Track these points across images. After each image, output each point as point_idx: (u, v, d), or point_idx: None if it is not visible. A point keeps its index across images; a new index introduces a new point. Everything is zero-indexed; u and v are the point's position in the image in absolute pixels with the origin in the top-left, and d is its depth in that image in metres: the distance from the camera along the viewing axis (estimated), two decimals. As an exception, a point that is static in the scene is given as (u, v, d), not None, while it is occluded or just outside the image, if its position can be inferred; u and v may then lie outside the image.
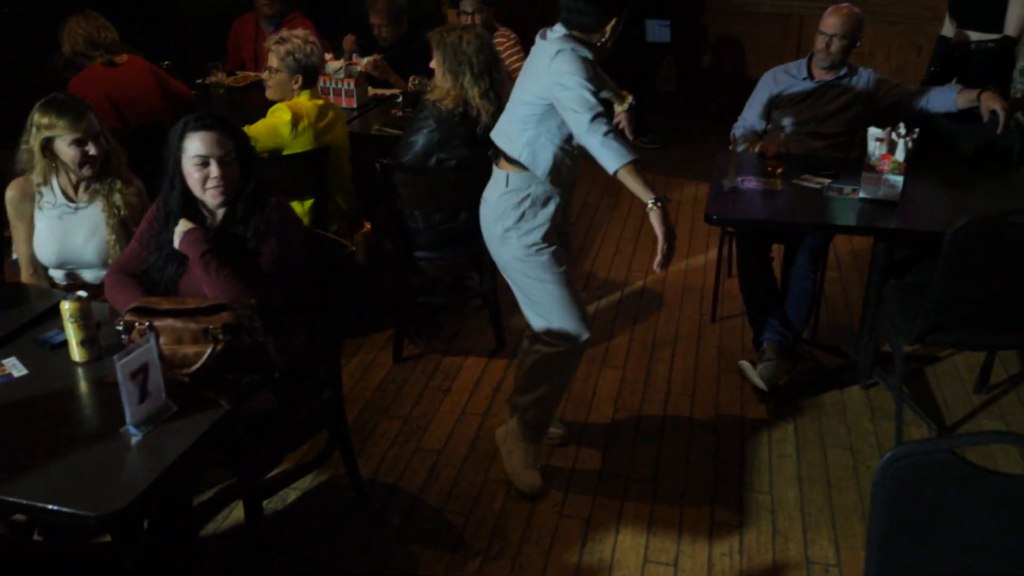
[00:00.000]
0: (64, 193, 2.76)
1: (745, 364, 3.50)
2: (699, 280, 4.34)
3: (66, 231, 2.77)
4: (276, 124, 3.43)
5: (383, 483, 2.96)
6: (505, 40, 4.65)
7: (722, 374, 3.59)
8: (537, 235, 2.68)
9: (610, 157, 2.42)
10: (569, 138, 2.58)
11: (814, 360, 3.64)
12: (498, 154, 2.71)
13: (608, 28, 2.54)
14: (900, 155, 3.01)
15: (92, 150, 2.68)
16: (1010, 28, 4.53)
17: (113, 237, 2.76)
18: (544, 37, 2.58)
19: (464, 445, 3.16)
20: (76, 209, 2.76)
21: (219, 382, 2.08)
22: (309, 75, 3.51)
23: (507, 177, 2.66)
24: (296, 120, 3.44)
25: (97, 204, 2.76)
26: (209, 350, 2.06)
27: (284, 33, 3.57)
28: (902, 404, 3.13)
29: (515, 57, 4.61)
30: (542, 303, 2.77)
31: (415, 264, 3.64)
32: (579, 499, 2.90)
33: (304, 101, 3.51)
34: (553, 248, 2.70)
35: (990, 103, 3.35)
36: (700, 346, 3.80)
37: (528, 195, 2.64)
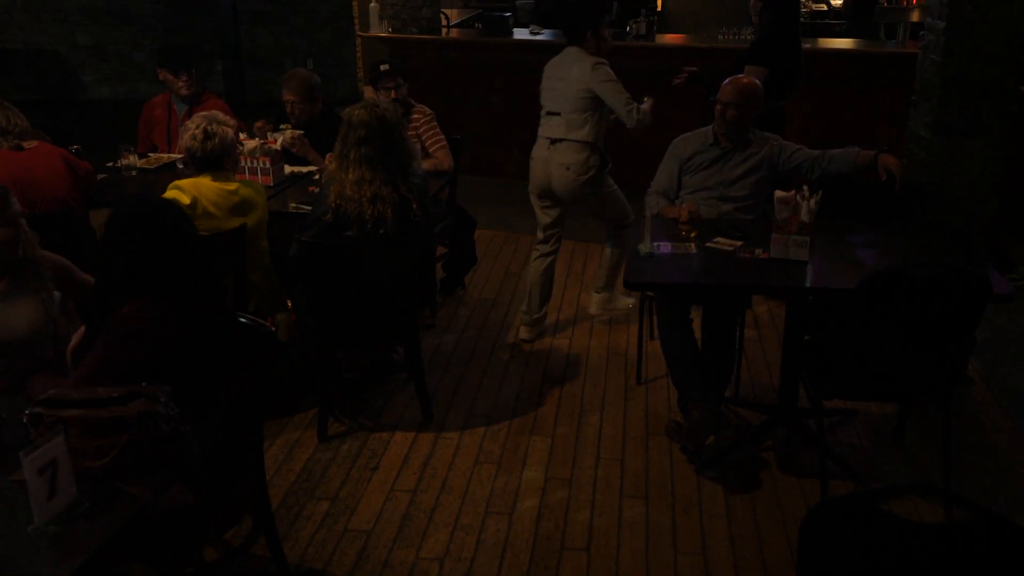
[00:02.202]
0: None
1: (672, 426, 3.54)
2: (623, 344, 4.40)
3: None
4: (172, 199, 3.39)
5: (311, 568, 2.87)
6: (421, 116, 4.72)
7: (650, 437, 3.62)
8: (602, 175, 4.30)
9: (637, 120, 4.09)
10: (609, 116, 4.22)
11: (738, 419, 3.70)
12: (563, 140, 4.23)
13: (589, 37, 4.13)
14: (805, 216, 3.14)
15: (13, 233, 2.63)
16: None
17: (37, 320, 2.68)
18: (567, 51, 4.26)
19: (394, 524, 3.09)
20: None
21: (134, 473, 2.00)
22: (197, 161, 3.50)
23: (580, 148, 4.20)
24: (194, 202, 3.41)
25: (17, 288, 2.69)
26: (122, 440, 1.99)
27: (187, 121, 3.57)
28: (825, 458, 3.20)
29: (431, 133, 4.68)
30: (616, 203, 4.42)
31: (337, 340, 3.61)
32: (513, 572, 2.85)
33: (205, 182, 3.49)
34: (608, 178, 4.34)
35: (886, 163, 3.54)
36: (627, 410, 3.82)
37: (594, 154, 4.22)
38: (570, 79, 4.17)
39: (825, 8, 10.57)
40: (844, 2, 9.20)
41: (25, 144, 3.82)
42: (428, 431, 3.66)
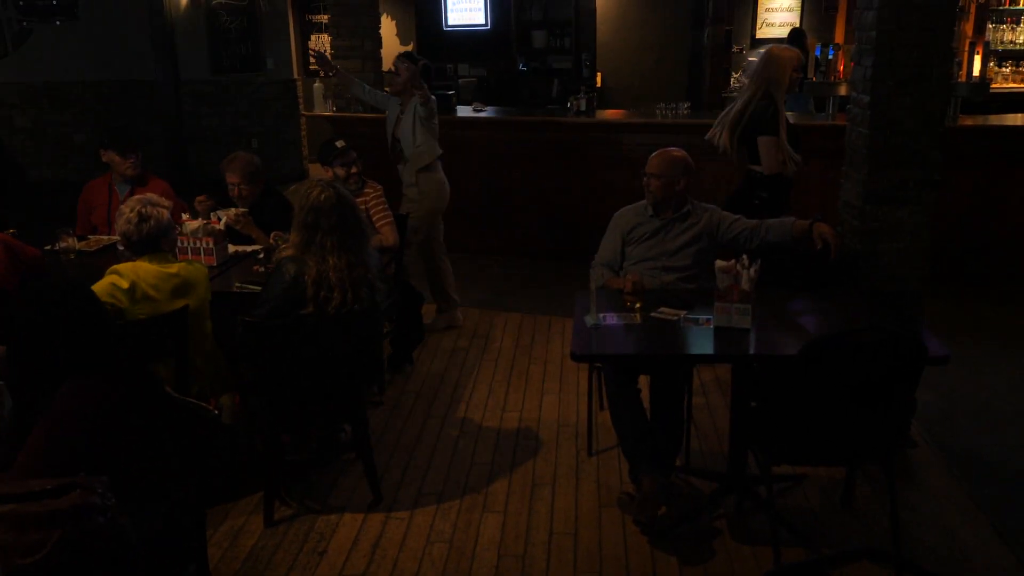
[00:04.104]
0: None
1: (624, 497, 3.52)
2: (573, 416, 4.39)
3: None
4: (111, 285, 3.35)
5: (257, 662, 2.76)
6: (372, 191, 4.75)
7: (603, 509, 3.59)
8: None
9: None
10: None
11: (690, 488, 3.70)
12: None
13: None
14: (746, 285, 3.21)
15: None
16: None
17: None
18: None
19: (343, 610, 3.00)
20: None
21: (68, 570, 1.92)
22: (136, 246, 3.48)
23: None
24: (132, 287, 3.37)
25: None
26: (56, 535, 1.91)
27: (122, 206, 3.55)
28: (776, 524, 3.20)
29: (380, 209, 4.71)
30: None
31: (284, 420, 3.54)
32: (468, 657, 2.78)
33: (143, 265, 3.45)
34: None
35: (821, 232, 3.65)
36: (579, 482, 3.80)
37: None
38: None
39: (757, 83, 11.00)
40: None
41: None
42: (378, 511, 3.58)
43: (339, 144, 4.72)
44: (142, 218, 3.42)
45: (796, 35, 9.36)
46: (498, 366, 5.03)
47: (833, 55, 8.92)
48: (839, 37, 10.34)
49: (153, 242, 3.45)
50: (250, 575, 3.18)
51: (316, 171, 5.59)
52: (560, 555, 3.30)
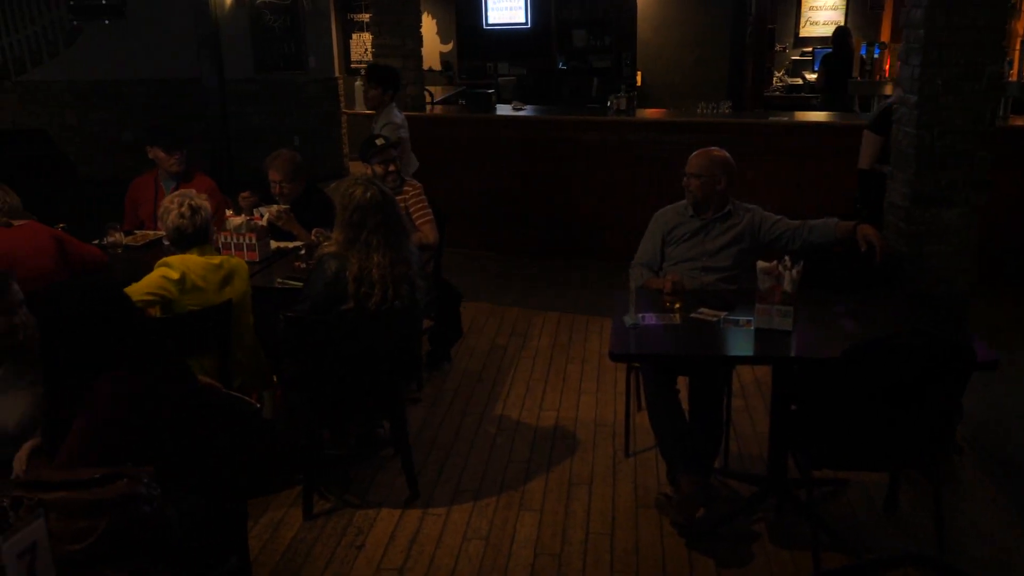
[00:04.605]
0: None
1: (662, 498, 3.50)
2: (610, 416, 4.38)
3: None
4: (161, 277, 3.41)
5: (295, 653, 2.79)
6: (412, 190, 4.77)
7: (640, 510, 3.58)
8: None
9: None
10: None
11: (728, 490, 3.67)
12: None
13: None
14: (788, 286, 3.17)
15: (16, 320, 2.62)
16: None
17: (35, 407, 2.66)
18: None
19: (381, 605, 3.02)
20: None
21: (115, 556, 1.96)
22: (177, 239, 3.54)
23: None
24: (183, 277, 3.42)
25: (17, 373, 2.67)
26: (103, 523, 1.95)
27: (164, 201, 3.61)
28: (817, 529, 3.17)
29: (419, 206, 4.73)
30: None
31: (324, 416, 3.58)
32: (503, 654, 2.79)
33: (193, 258, 3.51)
34: None
35: (866, 234, 3.60)
36: (616, 482, 3.79)
37: None
38: None
39: (801, 82, 10.89)
40: (818, 76, 9.47)
41: (15, 222, 3.84)
42: (415, 507, 3.61)
43: (378, 142, 4.76)
44: (194, 211, 3.49)
45: (841, 34, 9.22)
46: (536, 365, 5.03)
47: (879, 54, 8.79)
48: (885, 36, 10.18)
49: (203, 234, 3.53)
50: (289, 567, 3.22)
51: (357, 168, 5.64)
52: (596, 555, 3.29)
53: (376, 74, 5.82)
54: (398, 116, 5.78)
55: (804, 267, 3.22)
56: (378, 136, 4.88)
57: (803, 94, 10.46)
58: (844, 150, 6.15)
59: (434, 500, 3.66)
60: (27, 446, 2.43)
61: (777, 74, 11.26)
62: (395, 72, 5.96)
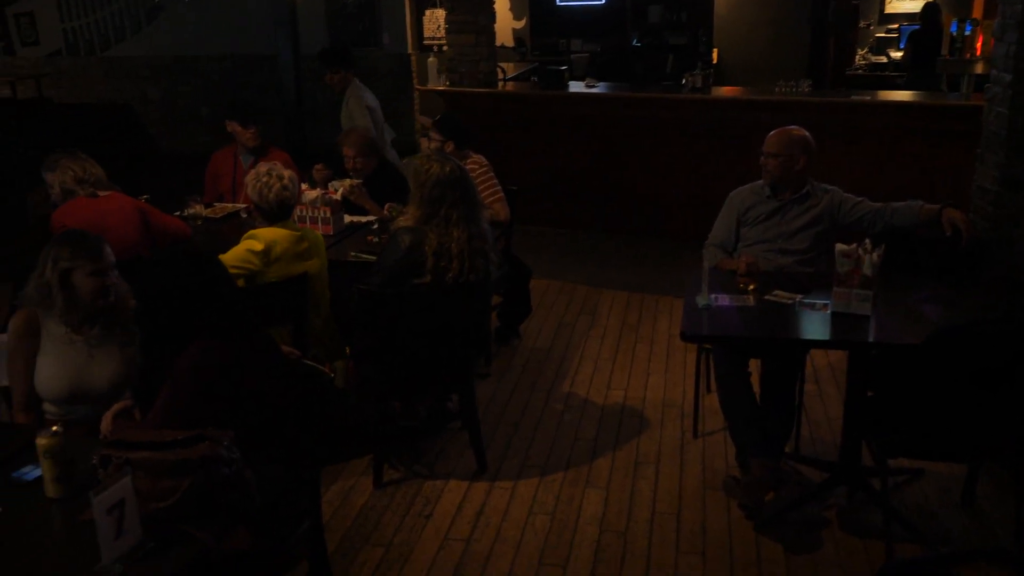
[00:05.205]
0: (73, 326, 2.77)
1: (730, 481, 3.47)
2: (679, 396, 4.35)
3: (78, 364, 2.77)
4: (246, 250, 3.49)
5: (364, 618, 2.86)
6: (477, 167, 4.78)
7: (707, 491, 3.55)
8: None
9: None
10: None
11: (799, 475, 3.62)
12: None
13: None
14: (868, 270, 3.09)
15: (109, 281, 2.72)
16: None
17: (124, 367, 2.77)
18: None
19: (447, 573, 3.07)
20: (87, 342, 2.77)
21: (197, 515, 2.03)
22: (266, 212, 3.60)
23: None
24: (268, 248, 3.50)
25: (110, 334, 2.78)
26: (186, 483, 2.02)
27: (253, 171, 3.68)
28: (890, 519, 3.10)
29: (487, 183, 4.74)
30: None
31: (394, 388, 3.63)
32: (568, 628, 2.81)
33: (278, 230, 3.59)
34: None
35: (951, 217, 3.48)
36: (683, 463, 3.76)
37: None
38: None
39: (885, 60, 10.53)
40: (905, 54, 9.14)
41: (100, 193, 3.97)
42: (482, 480, 3.65)
43: (436, 118, 4.82)
44: (293, 183, 3.58)
45: (930, 10, 8.88)
46: (604, 343, 5.01)
47: (970, 31, 8.45)
48: (977, 12, 9.76)
49: (290, 208, 3.61)
50: (360, 532, 3.30)
51: (427, 146, 5.71)
52: (662, 534, 3.28)
53: (330, 59, 6.01)
54: (364, 91, 6.02)
55: (885, 250, 3.14)
56: (453, 113, 4.91)
57: (888, 73, 10.11)
58: (930, 131, 5.96)
59: (501, 474, 3.69)
60: (114, 408, 2.53)
61: (860, 52, 10.90)
62: (346, 49, 6.16)
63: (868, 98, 6.38)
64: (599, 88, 7.28)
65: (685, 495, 3.53)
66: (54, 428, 2.15)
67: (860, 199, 3.77)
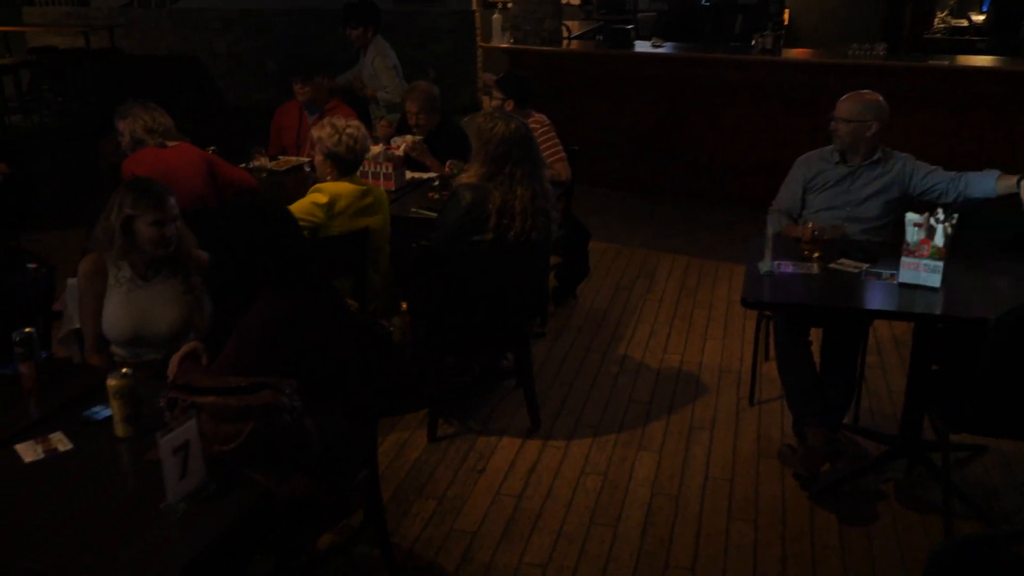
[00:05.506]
0: (139, 271, 2.85)
1: (786, 450, 3.44)
2: (736, 363, 4.30)
3: (141, 308, 2.85)
4: (311, 203, 3.53)
5: (417, 565, 2.92)
6: (539, 126, 4.75)
7: (761, 459, 3.53)
8: None
9: None
10: None
11: (856, 447, 3.56)
12: None
13: None
14: (939, 240, 3.00)
15: (170, 232, 2.79)
16: None
17: (185, 313, 2.84)
18: None
19: (499, 528, 3.11)
20: (151, 287, 2.85)
21: (258, 460, 2.08)
22: (338, 162, 3.62)
23: None
24: (332, 202, 3.53)
25: (170, 282, 2.86)
26: (249, 428, 2.07)
27: (324, 120, 3.70)
28: (950, 495, 3.05)
29: (549, 143, 4.70)
30: None
31: (450, 344, 3.66)
32: (616, 587, 2.83)
33: (344, 184, 3.62)
34: None
35: (1030, 188, 3.35)
36: (738, 430, 3.74)
37: None
38: None
39: (966, 24, 10.12)
40: (986, 18, 8.76)
41: (169, 143, 4.05)
42: (535, 438, 3.67)
43: (499, 76, 4.78)
44: (356, 139, 3.60)
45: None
46: (661, 307, 4.98)
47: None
48: (1066, -26, 9.29)
49: (345, 162, 3.62)
50: (414, 484, 3.36)
51: (489, 104, 5.69)
52: (714, 500, 3.28)
53: (355, 13, 5.92)
54: (388, 49, 6.04)
55: (958, 221, 3.04)
56: (516, 72, 4.87)
57: (968, 37, 9.71)
58: (1012, 99, 5.72)
59: (554, 433, 3.72)
60: (181, 351, 2.60)
61: (940, 15, 10.49)
62: (373, 4, 5.99)
63: (946, 63, 6.14)
64: (665, 48, 7.14)
65: (739, 462, 3.51)
66: (124, 370, 2.22)
67: (934, 167, 3.65)
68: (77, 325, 3.20)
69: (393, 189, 4.44)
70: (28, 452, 2.15)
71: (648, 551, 3.00)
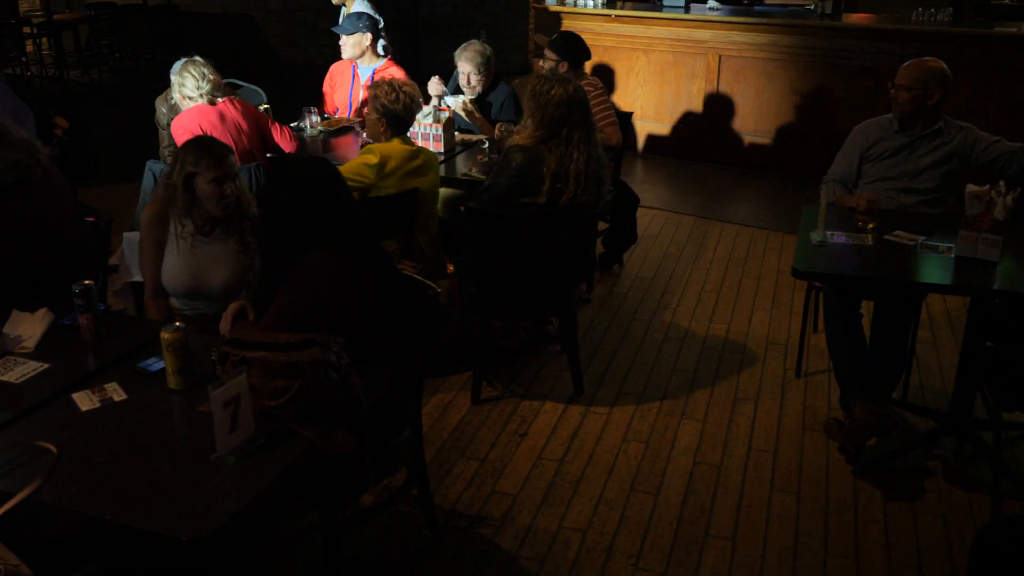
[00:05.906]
0: (199, 227, 2.90)
1: (832, 423, 3.40)
2: (783, 335, 4.26)
3: (199, 264, 2.91)
4: (361, 164, 3.54)
5: (458, 525, 2.96)
6: (591, 89, 4.69)
7: (806, 432, 3.50)
8: None
9: None
10: None
11: (904, 423, 3.51)
12: None
13: None
14: (1000, 214, 2.92)
15: (228, 190, 2.83)
16: None
17: (239, 272, 2.90)
18: None
19: (539, 491, 3.14)
20: (208, 243, 2.91)
21: (305, 416, 2.12)
22: (394, 120, 3.62)
23: None
24: (382, 163, 3.54)
25: (228, 239, 2.91)
26: (297, 384, 2.11)
27: (378, 79, 3.70)
28: (999, 474, 2.99)
29: (601, 106, 4.65)
30: None
31: (496, 307, 3.67)
32: (655, 552, 2.84)
33: (395, 145, 3.62)
34: None
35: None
36: (784, 402, 3.71)
37: None
38: None
39: (1036, -10, 9.70)
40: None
41: (219, 100, 4.09)
42: (578, 404, 3.68)
43: (552, 37, 4.73)
44: (412, 98, 3.62)
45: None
46: (709, 276, 4.93)
47: None
48: None
49: (399, 121, 3.63)
50: (456, 445, 3.39)
51: (539, 66, 5.65)
52: (757, 471, 3.26)
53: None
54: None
55: (1021, 194, 2.95)
56: (571, 34, 4.81)
57: (1006, 2, 9.33)
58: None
59: (597, 399, 3.72)
60: (232, 307, 2.65)
61: (1009, -21, 10.08)
62: None
63: (1014, 30, 5.92)
64: (721, 11, 6.98)
65: (783, 434, 3.49)
66: (177, 324, 2.27)
67: (997, 138, 3.54)
68: (132, 278, 3.28)
69: (442, 150, 4.43)
70: (84, 401, 2.21)
71: (688, 519, 3.00)
